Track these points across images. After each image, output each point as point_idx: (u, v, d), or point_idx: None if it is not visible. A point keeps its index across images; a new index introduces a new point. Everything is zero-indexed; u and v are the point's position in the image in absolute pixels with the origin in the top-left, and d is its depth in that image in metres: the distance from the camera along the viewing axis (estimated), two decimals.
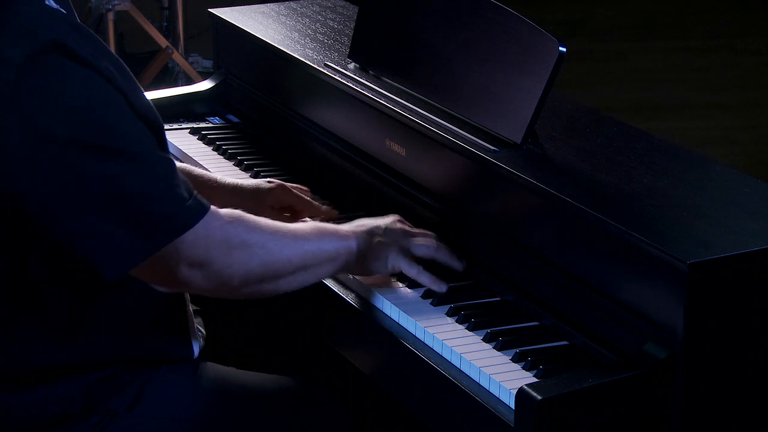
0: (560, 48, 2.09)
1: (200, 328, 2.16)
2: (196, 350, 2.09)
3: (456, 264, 2.11)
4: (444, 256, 2.10)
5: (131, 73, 1.90)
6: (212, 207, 1.87)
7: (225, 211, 1.90)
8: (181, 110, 2.92)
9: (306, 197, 2.33)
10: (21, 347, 1.95)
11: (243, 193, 2.32)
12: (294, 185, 2.36)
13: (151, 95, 2.92)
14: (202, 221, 1.84)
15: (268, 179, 2.38)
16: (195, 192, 1.87)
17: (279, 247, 1.92)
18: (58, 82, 1.77)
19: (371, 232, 2.05)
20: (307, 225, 2.00)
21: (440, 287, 2.06)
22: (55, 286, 1.92)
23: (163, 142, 1.93)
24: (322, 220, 2.24)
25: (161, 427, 2.01)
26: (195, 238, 1.83)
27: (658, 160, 2.15)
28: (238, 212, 1.91)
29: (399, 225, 2.10)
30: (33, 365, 1.95)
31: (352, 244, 2.02)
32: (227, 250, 1.86)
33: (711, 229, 1.86)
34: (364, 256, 2.03)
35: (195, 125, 2.86)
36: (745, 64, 6.48)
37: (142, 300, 1.99)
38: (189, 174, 2.30)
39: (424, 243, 2.08)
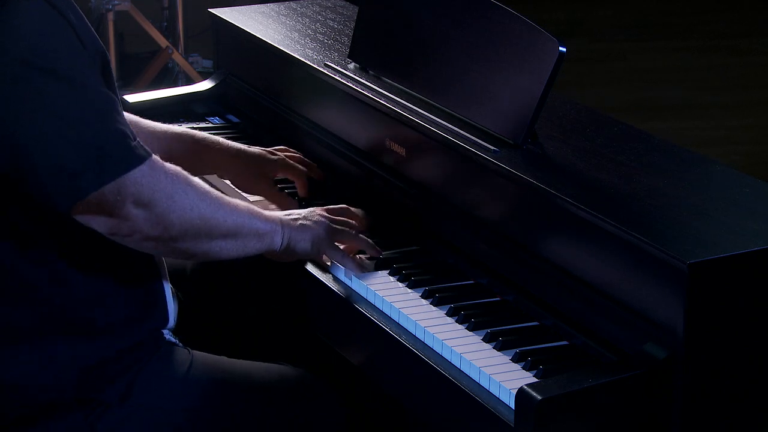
0: (560, 48, 2.09)
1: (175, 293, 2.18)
2: (171, 320, 2.11)
3: (374, 252, 2.19)
4: (363, 244, 2.18)
5: (87, 19, 1.96)
6: (155, 155, 1.93)
7: (167, 164, 1.96)
8: (181, 110, 2.92)
9: (302, 168, 2.44)
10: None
11: (246, 158, 2.42)
12: (296, 157, 2.46)
13: (151, 95, 2.92)
14: (147, 162, 1.90)
15: (272, 149, 2.46)
16: (138, 138, 1.93)
17: (215, 207, 1.99)
18: (10, 7, 1.84)
19: (294, 218, 2.14)
20: (238, 201, 2.07)
21: (363, 269, 2.14)
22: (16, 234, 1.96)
23: (111, 86, 1.97)
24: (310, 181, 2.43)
25: (153, 417, 2.04)
26: (141, 177, 1.89)
27: (658, 160, 2.15)
28: (178, 167, 1.97)
29: (320, 212, 2.18)
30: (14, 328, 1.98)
31: (278, 228, 2.10)
32: (171, 195, 1.93)
33: (711, 229, 1.86)
34: (289, 239, 2.11)
35: (195, 125, 2.85)
36: (745, 64, 6.48)
37: (110, 256, 2.03)
38: (192, 137, 2.39)
39: (346, 230, 2.17)
